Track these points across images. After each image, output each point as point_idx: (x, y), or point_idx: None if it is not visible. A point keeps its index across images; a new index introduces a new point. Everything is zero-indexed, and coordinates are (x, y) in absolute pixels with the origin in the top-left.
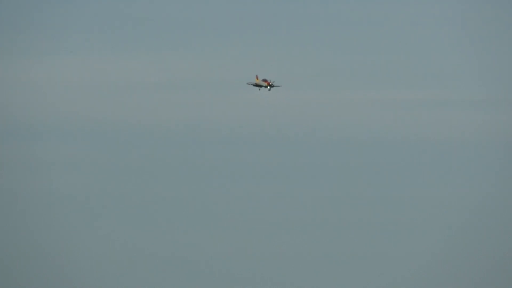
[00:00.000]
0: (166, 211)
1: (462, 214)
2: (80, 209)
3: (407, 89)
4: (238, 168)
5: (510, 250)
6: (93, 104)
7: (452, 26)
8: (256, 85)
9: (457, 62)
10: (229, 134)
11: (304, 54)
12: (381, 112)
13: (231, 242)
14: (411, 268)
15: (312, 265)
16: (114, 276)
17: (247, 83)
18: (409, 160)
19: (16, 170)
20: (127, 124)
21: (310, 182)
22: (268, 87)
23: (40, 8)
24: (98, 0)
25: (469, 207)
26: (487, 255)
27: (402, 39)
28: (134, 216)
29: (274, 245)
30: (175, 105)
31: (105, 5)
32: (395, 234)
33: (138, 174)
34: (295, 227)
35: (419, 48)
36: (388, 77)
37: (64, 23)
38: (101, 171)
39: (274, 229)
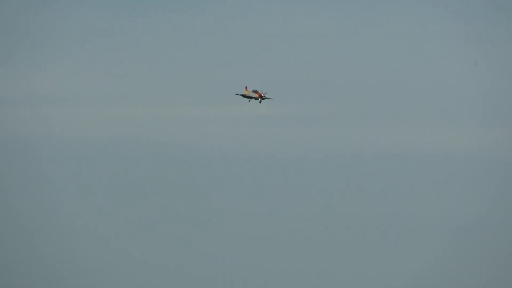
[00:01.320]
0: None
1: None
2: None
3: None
4: (221, 183)
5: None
6: (76, 118)
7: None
8: (246, 96)
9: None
10: (213, 149)
11: (294, 66)
12: (379, 127)
13: (208, 257)
14: (408, 280)
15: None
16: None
17: (236, 94)
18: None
19: None
20: (108, 139)
21: (301, 198)
22: (259, 99)
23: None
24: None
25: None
26: (486, 261)
27: (408, 55)
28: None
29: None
30: (157, 119)
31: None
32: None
33: (116, 190)
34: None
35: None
36: (386, 86)
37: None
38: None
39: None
